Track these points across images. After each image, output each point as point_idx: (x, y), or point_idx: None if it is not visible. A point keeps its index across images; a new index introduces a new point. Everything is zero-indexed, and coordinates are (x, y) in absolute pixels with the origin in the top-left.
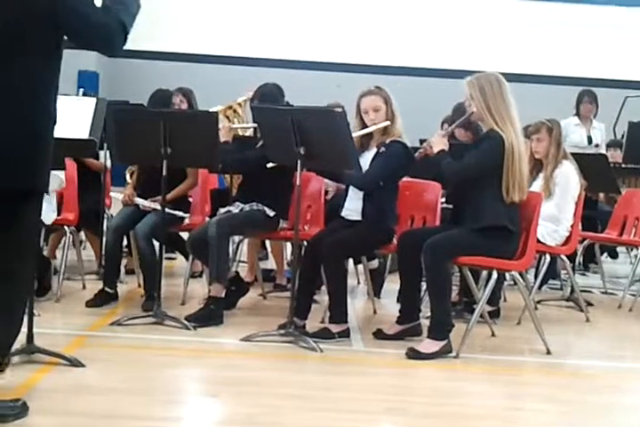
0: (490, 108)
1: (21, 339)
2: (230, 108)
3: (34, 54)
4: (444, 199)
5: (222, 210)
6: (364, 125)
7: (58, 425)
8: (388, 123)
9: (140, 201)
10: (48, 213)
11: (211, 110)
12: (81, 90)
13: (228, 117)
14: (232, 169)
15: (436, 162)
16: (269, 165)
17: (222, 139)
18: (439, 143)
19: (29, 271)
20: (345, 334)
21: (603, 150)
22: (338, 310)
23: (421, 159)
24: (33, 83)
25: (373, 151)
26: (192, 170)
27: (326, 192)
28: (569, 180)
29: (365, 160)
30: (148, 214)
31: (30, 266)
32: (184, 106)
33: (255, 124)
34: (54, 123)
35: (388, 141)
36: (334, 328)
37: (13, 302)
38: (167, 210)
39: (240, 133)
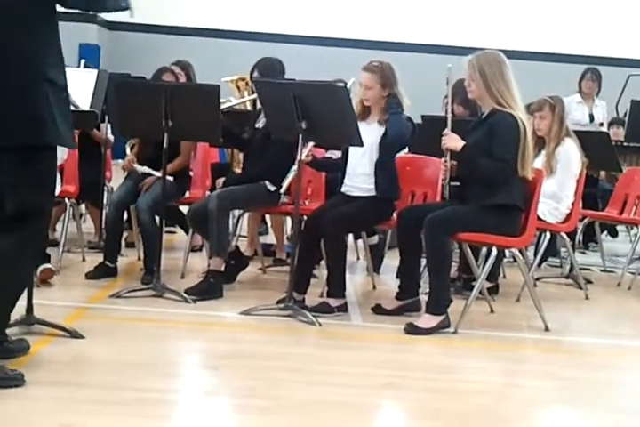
0: (490, 87)
1: (20, 310)
2: (243, 79)
3: (27, 21)
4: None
5: (220, 180)
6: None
7: (57, 397)
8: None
9: (139, 168)
10: None
11: (223, 79)
12: (82, 61)
13: (238, 88)
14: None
15: (468, 160)
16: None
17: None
18: (454, 141)
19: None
20: (343, 308)
21: (604, 128)
22: (336, 285)
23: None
24: (26, 47)
25: (374, 126)
26: (185, 147)
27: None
28: (570, 157)
29: (365, 134)
30: (149, 190)
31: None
32: (182, 79)
33: (250, 98)
34: (52, 82)
35: (386, 117)
36: (333, 302)
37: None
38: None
39: (243, 108)
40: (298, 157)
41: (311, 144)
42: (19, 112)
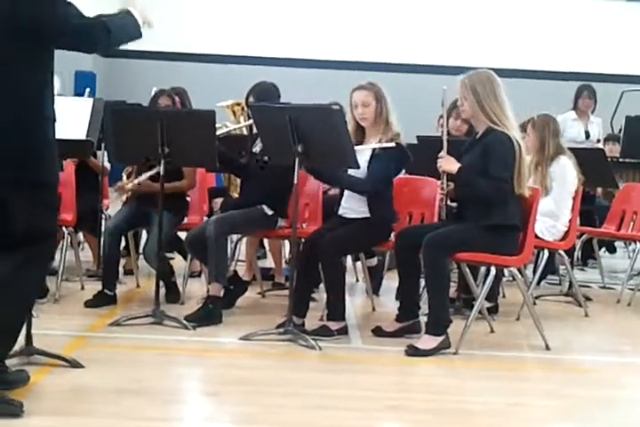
0: (483, 106)
1: (20, 340)
2: (239, 104)
3: (20, 60)
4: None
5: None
6: (357, 120)
7: None
8: (392, 145)
9: (135, 181)
10: None
11: (218, 104)
12: (87, 90)
13: (234, 113)
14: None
15: (466, 182)
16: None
17: None
18: (450, 164)
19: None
20: (343, 331)
21: (600, 145)
22: (336, 308)
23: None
24: (24, 86)
25: (369, 151)
26: (189, 171)
27: (326, 191)
28: (566, 175)
29: (361, 158)
30: (150, 233)
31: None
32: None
33: (245, 124)
34: (53, 122)
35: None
36: (333, 326)
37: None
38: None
39: (238, 132)
40: (295, 181)
41: None
42: (19, 149)
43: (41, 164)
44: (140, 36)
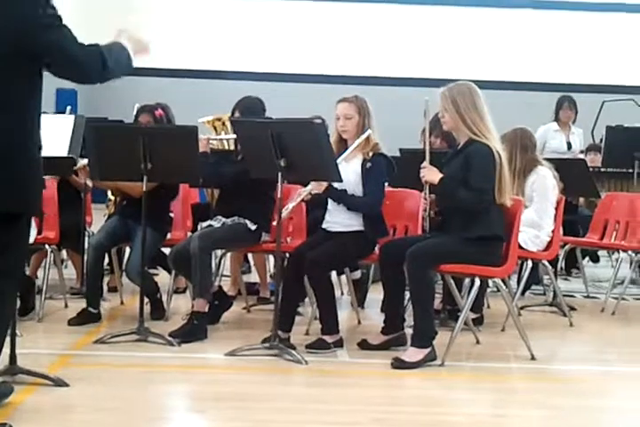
0: (464, 118)
1: (4, 360)
2: (219, 119)
3: (15, 83)
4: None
5: (204, 224)
6: (339, 134)
7: None
8: (369, 132)
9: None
10: None
11: (200, 120)
12: (68, 107)
13: (215, 129)
14: (209, 184)
15: (447, 193)
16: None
17: (200, 150)
18: (432, 174)
19: (14, 293)
20: (339, 343)
21: (581, 156)
22: (329, 321)
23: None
24: (16, 108)
25: (354, 163)
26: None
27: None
28: (546, 185)
29: (346, 171)
30: (133, 250)
31: (15, 287)
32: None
33: (234, 136)
34: (40, 148)
35: (370, 155)
36: (329, 339)
37: None
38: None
39: (220, 147)
40: (278, 195)
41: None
42: (6, 178)
43: (24, 194)
44: (131, 69)
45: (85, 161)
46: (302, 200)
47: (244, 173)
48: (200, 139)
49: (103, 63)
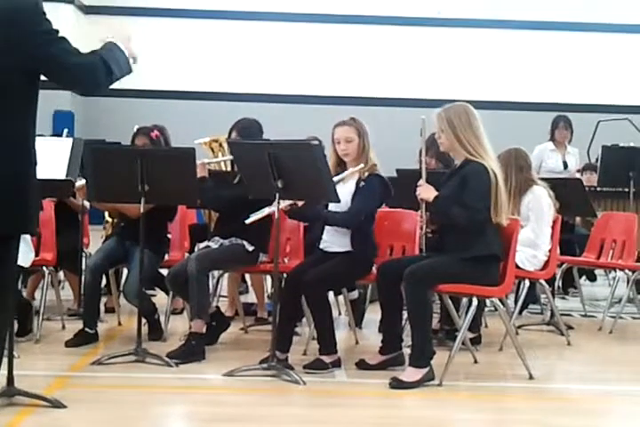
0: (460, 139)
1: (1, 381)
2: (216, 141)
3: (12, 98)
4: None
5: (201, 245)
6: (338, 156)
7: None
8: (361, 166)
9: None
10: (26, 254)
11: (197, 141)
12: (65, 130)
13: (212, 150)
14: (210, 207)
15: (441, 210)
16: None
17: (198, 175)
18: (428, 192)
19: (8, 314)
20: (337, 363)
21: (577, 175)
22: (327, 342)
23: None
24: (14, 128)
25: (350, 183)
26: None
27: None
28: (542, 204)
29: (343, 192)
30: (130, 271)
31: (9, 308)
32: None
33: (230, 157)
34: (35, 165)
35: (366, 175)
36: (326, 359)
37: None
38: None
39: (218, 168)
40: (275, 216)
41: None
42: (6, 199)
43: (23, 213)
44: (131, 71)
45: (83, 182)
46: (281, 209)
47: (243, 197)
48: (197, 164)
49: (107, 69)
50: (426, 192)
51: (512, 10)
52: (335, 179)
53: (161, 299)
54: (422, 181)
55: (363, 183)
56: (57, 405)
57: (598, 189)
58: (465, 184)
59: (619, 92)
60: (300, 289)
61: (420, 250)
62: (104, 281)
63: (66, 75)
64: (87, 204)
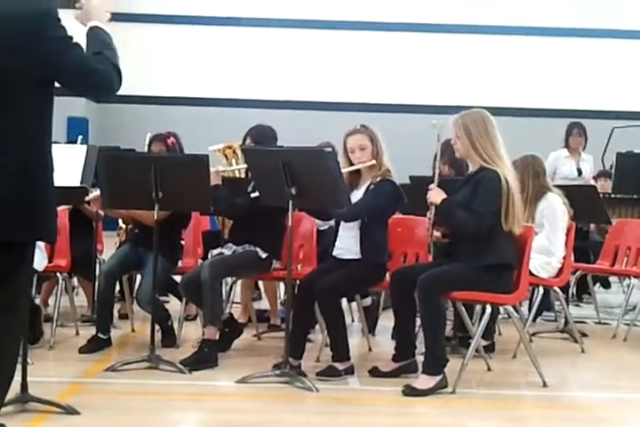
0: (475, 146)
1: (15, 388)
2: (230, 147)
3: (27, 105)
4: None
5: (215, 252)
6: (351, 164)
7: None
8: (373, 162)
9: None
10: (39, 260)
11: (210, 148)
12: (79, 137)
13: (226, 156)
14: (223, 214)
15: (446, 213)
16: (253, 195)
17: (212, 183)
18: (437, 195)
19: (22, 322)
20: (350, 370)
21: (591, 182)
22: (340, 349)
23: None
24: (30, 133)
25: (363, 188)
26: None
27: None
28: (556, 211)
29: (355, 197)
30: (144, 278)
31: (25, 314)
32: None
33: (244, 166)
34: (52, 171)
35: (378, 180)
36: (339, 366)
37: (4, 354)
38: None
39: (232, 175)
40: (289, 223)
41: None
42: (24, 204)
43: (40, 220)
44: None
45: (98, 192)
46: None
47: (258, 205)
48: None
49: (117, 70)
50: (435, 195)
51: (527, 16)
52: (348, 169)
53: (174, 305)
54: (433, 185)
55: (372, 186)
56: (70, 411)
57: (613, 195)
58: (476, 190)
59: (633, 98)
60: (313, 296)
61: (429, 252)
62: (117, 287)
63: (82, 83)
64: (101, 211)
